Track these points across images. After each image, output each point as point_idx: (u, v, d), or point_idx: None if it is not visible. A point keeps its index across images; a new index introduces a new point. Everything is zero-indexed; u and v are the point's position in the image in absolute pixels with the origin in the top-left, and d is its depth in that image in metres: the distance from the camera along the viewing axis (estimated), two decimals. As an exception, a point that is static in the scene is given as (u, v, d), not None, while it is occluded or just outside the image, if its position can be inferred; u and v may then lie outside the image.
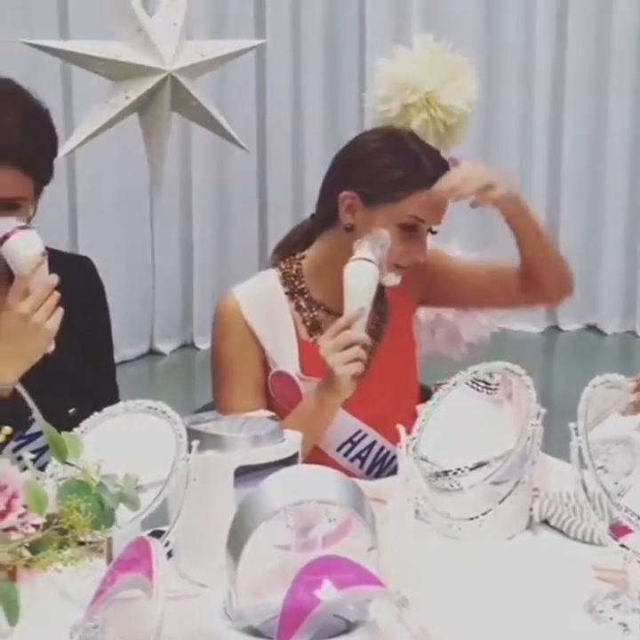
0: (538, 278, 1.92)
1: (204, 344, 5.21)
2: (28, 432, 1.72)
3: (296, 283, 1.85)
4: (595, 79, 5.57)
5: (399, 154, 1.78)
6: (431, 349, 2.88)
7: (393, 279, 1.80)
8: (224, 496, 1.32)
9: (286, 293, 1.84)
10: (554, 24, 5.54)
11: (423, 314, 2.80)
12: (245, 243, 5.33)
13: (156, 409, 1.30)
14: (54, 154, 1.68)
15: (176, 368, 5.21)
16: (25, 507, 0.96)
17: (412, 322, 2.00)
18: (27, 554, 0.95)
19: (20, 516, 0.96)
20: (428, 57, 2.87)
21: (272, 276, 1.86)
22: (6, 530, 0.95)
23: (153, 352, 5.29)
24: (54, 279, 1.60)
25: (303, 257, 1.87)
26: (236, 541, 0.98)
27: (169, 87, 1.84)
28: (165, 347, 5.30)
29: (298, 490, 0.99)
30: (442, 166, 1.79)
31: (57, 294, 1.60)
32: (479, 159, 5.73)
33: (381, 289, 1.89)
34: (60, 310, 1.59)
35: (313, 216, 1.90)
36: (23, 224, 1.59)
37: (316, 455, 1.75)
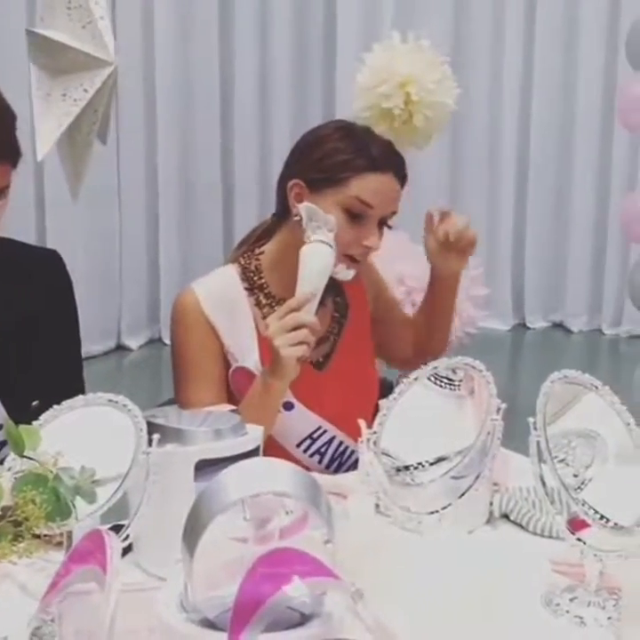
0: (430, 334, 2.01)
1: (171, 340, 5.21)
2: (-12, 426, 1.71)
3: (255, 278, 1.84)
4: (563, 76, 5.63)
5: (345, 139, 1.78)
6: None
7: (344, 272, 1.78)
8: (184, 490, 1.31)
9: (246, 289, 1.84)
10: (522, 24, 5.58)
11: None
12: (211, 238, 5.34)
13: (116, 402, 1.30)
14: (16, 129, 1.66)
15: (144, 363, 5.22)
16: (-20, 499, 0.96)
17: (368, 323, 2.00)
18: (-19, 546, 0.95)
19: (-25, 508, 0.96)
20: (420, 54, 2.87)
21: (231, 272, 1.85)
22: (-39, 522, 0.95)
23: (120, 348, 5.28)
24: None
25: (262, 252, 1.86)
26: (192, 534, 0.98)
27: (113, 80, 1.85)
28: (133, 342, 5.29)
29: (254, 482, 0.99)
30: (390, 154, 1.79)
31: None
32: (448, 158, 5.76)
33: (340, 287, 1.90)
34: None
35: (274, 214, 1.90)
36: None
37: (275, 450, 1.75)
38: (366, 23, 5.34)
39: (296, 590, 0.92)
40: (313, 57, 5.49)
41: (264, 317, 1.83)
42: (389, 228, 1.83)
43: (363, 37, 5.20)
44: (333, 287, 1.88)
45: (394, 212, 1.81)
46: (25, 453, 1.05)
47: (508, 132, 5.66)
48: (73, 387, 1.80)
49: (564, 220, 5.73)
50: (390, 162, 1.78)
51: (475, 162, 5.67)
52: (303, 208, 1.74)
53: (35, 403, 1.75)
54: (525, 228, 5.75)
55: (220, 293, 1.82)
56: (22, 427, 1.07)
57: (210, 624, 0.98)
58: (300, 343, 1.64)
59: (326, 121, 1.97)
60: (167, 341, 5.24)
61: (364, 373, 1.94)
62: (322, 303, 1.74)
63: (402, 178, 1.80)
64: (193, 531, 0.97)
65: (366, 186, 1.74)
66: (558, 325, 5.79)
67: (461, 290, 2.94)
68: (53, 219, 4.88)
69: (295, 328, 1.64)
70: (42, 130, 1.76)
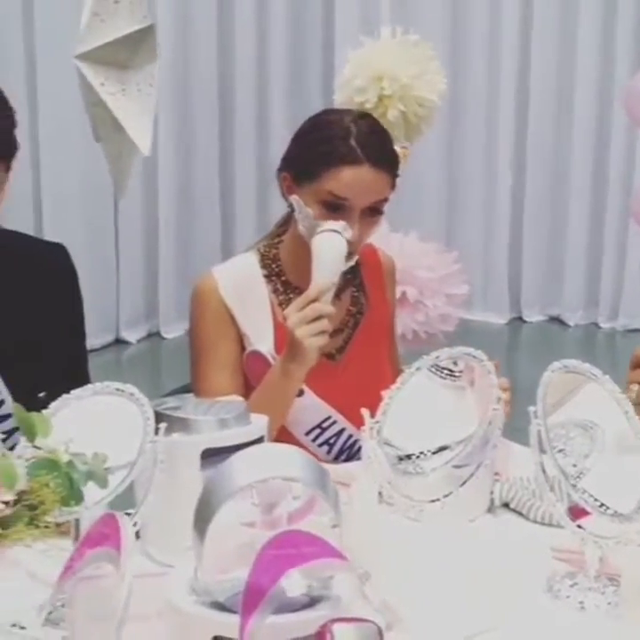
0: None
1: (169, 334, 5.23)
2: (-2, 413, 1.73)
3: (273, 266, 1.88)
4: (560, 72, 5.63)
5: (327, 130, 1.78)
6: None
7: None
8: (190, 479, 1.33)
9: (265, 276, 1.87)
10: (519, 17, 5.59)
11: None
12: (209, 232, 5.34)
13: (123, 391, 1.32)
14: (15, 126, 1.66)
15: (142, 357, 5.22)
16: (-6, 484, 0.98)
17: (388, 322, 2.01)
18: (-3, 530, 0.97)
19: (-10, 492, 0.97)
20: (401, 49, 2.90)
21: (251, 258, 1.89)
22: (-24, 506, 0.96)
23: (119, 341, 5.29)
24: None
25: (281, 241, 1.90)
26: (202, 519, 1.00)
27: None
28: (131, 336, 5.30)
29: (261, 467, 1.01)
30: (368, 144, 1.76)
31: None
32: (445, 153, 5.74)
33: (362, 283, 1.92)
34: None
35: None
36: None
37: (284, 438, 1.77)
38: (363, 17, 5.34)
39: (292, 583, 0.93)
40: (310, 53, 5.51)
41: (280, 304, 1.86)
42: (381, 213, 1.80)
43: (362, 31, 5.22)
44: (353, 282, 1.92)
45: (381, 201, 1.79)
46: (37, 440, 1.07)
47: (505, 124, 5.66)
48: (79, 378, 1.82)
49: (561, 213, 5.73)
50: (366, 152, 1.75)
51: (472, 155, 5.68)
52: (293, 200, 1.78)
53: (42, 394, 1.77)
54: (522, 222, 5.76)
55: (238, 279, 1.85)
56: (34, 414, 1.09)
57: (220, 606, 1.00)
58: (321, 333, 1.68)
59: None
60: (165, 336, 5.26)
61: (378, 369, 1.93)
62: (337, 296, 1.77)
63: (384, 166, 1.77)
64: (203, 515, 0.99)
65: (338, 179, 1.74)
66: (555, 319, 5.81)
67: (436, 288, 2.97)
68: (50, 214, 4.89)
69: (315, 318, 1.67)
70: (137, 125, 1.77)
